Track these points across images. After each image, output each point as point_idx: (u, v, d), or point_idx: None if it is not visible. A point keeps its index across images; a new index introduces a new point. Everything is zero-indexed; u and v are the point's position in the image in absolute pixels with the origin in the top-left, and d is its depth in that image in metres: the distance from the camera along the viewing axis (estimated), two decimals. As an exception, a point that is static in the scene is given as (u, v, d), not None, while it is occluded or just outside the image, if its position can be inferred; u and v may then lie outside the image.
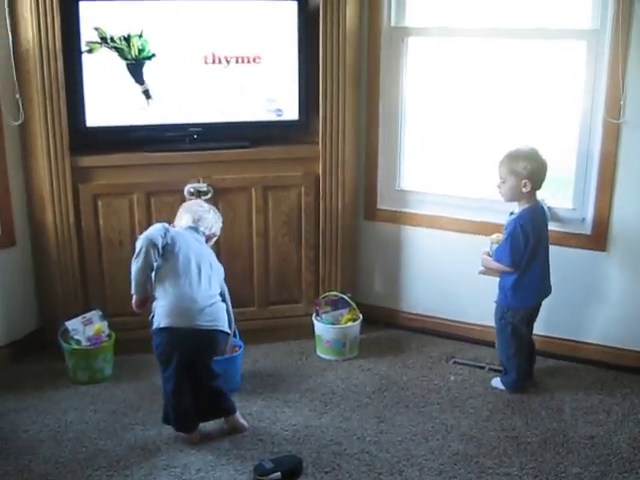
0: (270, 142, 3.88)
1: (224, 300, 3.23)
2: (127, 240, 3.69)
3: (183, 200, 3.67)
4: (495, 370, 3.71)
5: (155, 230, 3.08)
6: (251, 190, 3.78)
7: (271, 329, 3.96)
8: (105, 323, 3.66)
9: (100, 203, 3.65)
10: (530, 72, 3.75)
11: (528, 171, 3.28)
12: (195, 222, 3.27)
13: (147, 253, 3.02)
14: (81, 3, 3.45)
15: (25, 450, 3.06)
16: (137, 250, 3.04)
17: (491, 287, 3.51)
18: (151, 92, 3.63)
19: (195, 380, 3.09)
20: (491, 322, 3.59)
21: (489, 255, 3.45)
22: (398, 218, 4.07)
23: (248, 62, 3.70)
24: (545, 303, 3.61)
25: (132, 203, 3.68)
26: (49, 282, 3.73)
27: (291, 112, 3.81)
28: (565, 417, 3.32)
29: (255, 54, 3.70)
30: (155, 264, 3.05)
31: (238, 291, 3.82)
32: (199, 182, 3.69)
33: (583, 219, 3.69)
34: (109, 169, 3.64)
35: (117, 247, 3.71)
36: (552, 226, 3.66)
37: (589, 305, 3.75)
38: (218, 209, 3.72)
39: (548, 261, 3.47)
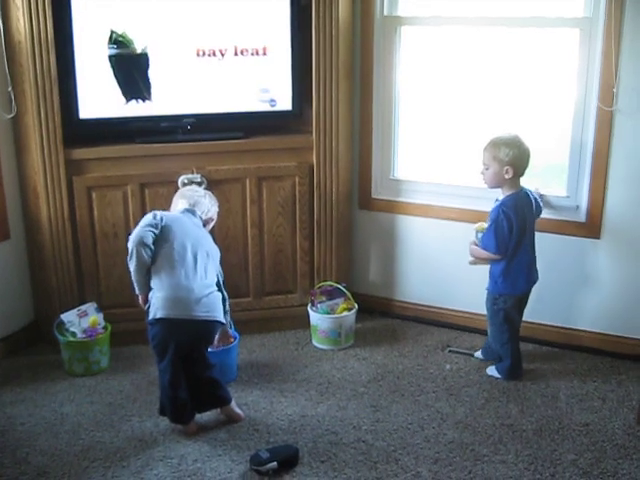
0: (264, 132, 3.87)
1: (220, 287, 3.23)
2: (122, 232, 3.69)
3: (177, 191, 3.67)
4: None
5: (144, 225, 3.06)
6: (245, 181, 3.77)
7: (267, 319, 3.97)
8: (100, 315, 3.66)
9: (94, 195, 3.64)
10: (523, 60, 3.75)
11: (510, 157, 3.31)
12: (191, 206, 3.28)
13: (138, 253, 3.03)
14: (73, -6, 3.45)
15: (22, 443, 3.06)
16: (129, 251, 3.06)
17: (485, 275, 3.52)
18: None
19: (191, 371, 3.09)
20: (484, 310, 3.60)
21: (476, 244, 3.48)
22: (393, 207, 4.08)
23: (242, 54, 3.69)
24: (539, 291, 3.62)
25: (126, 195, 3.67)
26: (44, 275, 3.73)
27: (285, 102, 3.81)
28: (560, 404, 3.33)
29: (248, 45, 3.69)
30: (149, 260, 3.05)
31: (233, 282, 3.84)
32: (193, 173, 3.68)
33: (577, 207, 3.70)
34: (103, 161, 3.63)
35: (112, 239, 3.71)
36: (546, 214, 3.67)
37: (583, 292, 3.76)
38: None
39: (534, 248, 3.48)
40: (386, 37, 3.90)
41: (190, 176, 3.66)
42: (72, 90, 3.54)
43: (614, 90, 3.44)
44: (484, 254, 3.43)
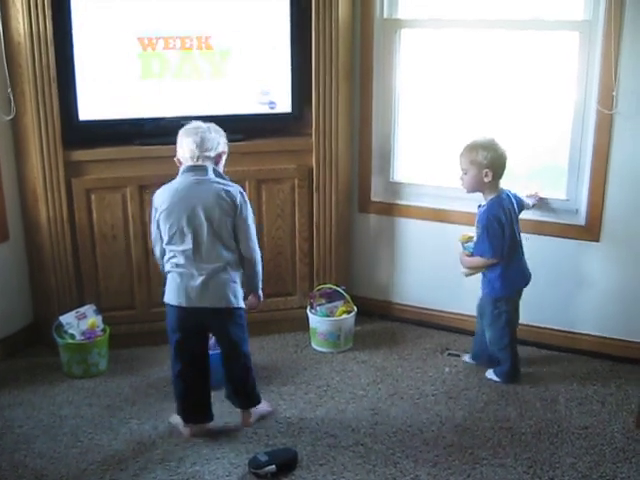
0: (263, 135, 3.86)
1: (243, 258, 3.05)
2: (120, 234, 3.69)
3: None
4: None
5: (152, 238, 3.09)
6: (245, 183, 3.76)
7: (265, 322, 3.96)
8: (99, 317, 3.66)
9: (93, 197, 3.64)
10: (523, 63, 3.75)
11: (488, 160, 3.31)
12: (199, 151, 2.98)
13: (161, 267, 3.09)
14: (72, -4, 3.44)
15: (20, 445, 3.06)
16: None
17: (480, 277, 3.50)
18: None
19: (222, 361, 3.12)
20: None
21: (467, 255, 3.46)
22: (392, 210, 4.07)
23: (242, 56, 3.69)
24: (538, 293, 3.62)
25: (125, 197, 3.67)
26: (43, 276, 3.72)
27: (284, 105, 3.80)
28: (559, 408, 3.33)
29: (248, 47, 3.69)
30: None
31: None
32: (192, 175, 3.67)
33: (576, 210, 3.70)
34: (102, 163, 3.63)
35: (110, 241, 3.70)
36: (546, 217, 3.67)
37: (583, 295, 3.76)
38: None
39: (522, 245, 3.49)
40: (386, 40, 3.90)
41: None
42: (72, 92, 3.54)
43: (613, 93, 3.44)
44: (480, 261, 3.41)
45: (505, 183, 3.42)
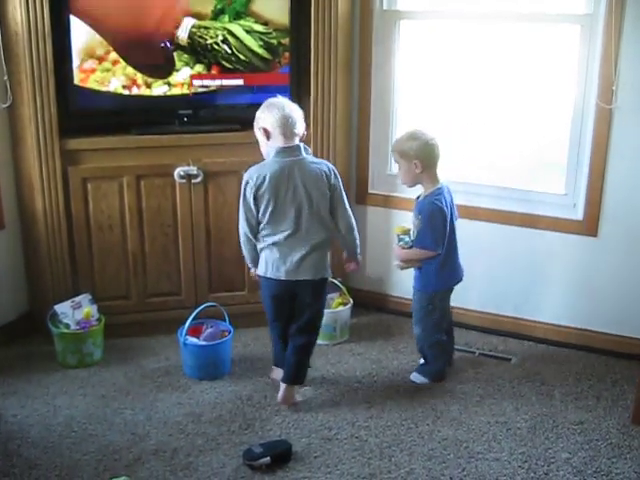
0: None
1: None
2: (116, 224, 3.68)
3: (173, 184, 3.65)
4: (486, 355, 3.72)
5: (242, 219, 3.19)
6: (242, 173, 3.74)
7: (261, 313, 3.90)
8: (95, 307, 3.65)
9: (89, 186, 3.62)
10: (523, 56, 3.73)
11: (414, 150, 3.26)
12: (292, 127, 3.10)
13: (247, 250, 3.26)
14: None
15: (14, 435, 3.05)
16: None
17: (482, 271, 3.50)
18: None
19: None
20: (481, 307, 3.59)
21: (403, 248, 3.39)
22: (389, 202, 4.06)
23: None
24: (535, 289, 3.61)
25: (122, 186, 3.65)
26: (39, 266, 3.71)
27: (282, 95, 3.77)
28: (555, 402, 3.32)
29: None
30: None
31: (228, 275, 3.86)
32: (189, 165, 3.66)
33: (574, 204, 3.69)
34: (98, 152, 3.61)
35: (107, 231, 3.69)
36: (543, 211, 3.67)
37: (579, 290, 3.75)
38: (207, 193, 3.73)
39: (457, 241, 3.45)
40: (385, 31, 3.88)
41: (186, 168, 3.64)
42: (68, 80, 3.52)
43: (613, 88, 3.42)
44: (421, 254, 3.33)
45: (505, 176, 3.40)
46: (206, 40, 3.65)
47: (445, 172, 3.84)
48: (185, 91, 3.70)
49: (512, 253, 3.84)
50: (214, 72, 3.71)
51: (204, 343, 3.49)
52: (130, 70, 3.61)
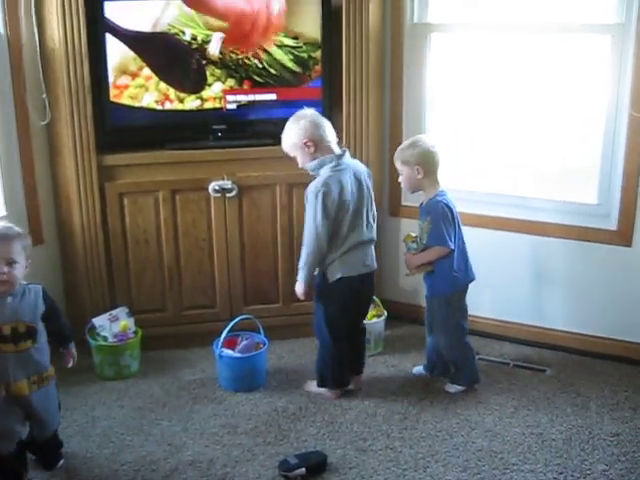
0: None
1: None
2: (152, 238, 3.73)
3: (208, 198, 3.70)
4: (520, 366, 3.70)
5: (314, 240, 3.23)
6: (275, 187, 3.79)
7: (296, 325, 3.98)
8: (131, 320, 3.70)
9: (126, 201, 3.68)
10: (554, 67, 3.72)
11: (415, 157, 3.31)
12: (333, 137, 3.30)
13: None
14: (106, 3, 3.48)
15: (54, 445, 3.10)
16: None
17: (517, 283, 3.48)
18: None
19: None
20: (517, 319, 3.56)
21: (413, 254, 3.42)
22: (422, 214, 4.07)
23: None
24: (570, 299, 3.58)
25: (157, 201, 3.71)
26: (76, 279, 3.77)
27: (315, 109, 3.80)
28: (591, 414, 3.30)
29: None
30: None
31: (263, 288, 3.89)
32: (224, 180, 3.70)
33: (608, 214, 3.67)
34: (134, 167, 3.67)
35: (143, 245, 3.74)
36: (576, 221, 3.65)
37: (615, 301, 3.72)
38: (242, 207, 3.76)
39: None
40: (416, 44, 3.90)
41: (220, 183, 3.68)
42: (105, 97, 3.59)
43: (646, 97, 3.41)
44: (435, 252, 3.34)
45: (539, 187, 3.39)
46: (237, 55, 3.70)
47: (479, 183, 3.85)
48: (218, 105, 3.75)
49: (546, 264, 3.82)
50: (246, 86, 3.75)
51: (240, 355, 3.52)
52: (163, 85, 3.67)
